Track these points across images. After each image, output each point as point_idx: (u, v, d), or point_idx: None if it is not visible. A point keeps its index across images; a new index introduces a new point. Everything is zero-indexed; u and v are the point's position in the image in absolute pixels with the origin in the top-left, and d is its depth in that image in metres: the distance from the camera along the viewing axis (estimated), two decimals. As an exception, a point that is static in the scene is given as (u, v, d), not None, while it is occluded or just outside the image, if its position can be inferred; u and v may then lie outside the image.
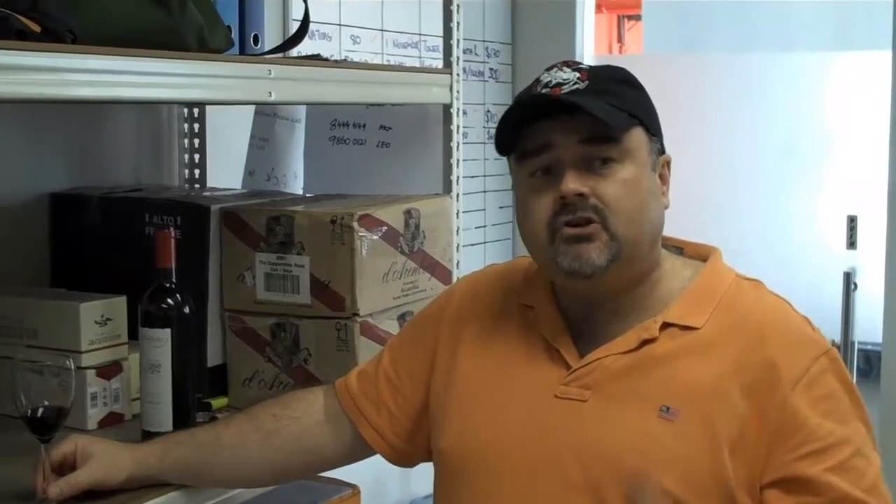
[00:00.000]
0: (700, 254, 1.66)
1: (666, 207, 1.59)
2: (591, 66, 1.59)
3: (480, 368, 1.64)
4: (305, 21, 2.17)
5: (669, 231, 1.63)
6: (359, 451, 1.77)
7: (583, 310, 1.60)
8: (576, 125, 1.51)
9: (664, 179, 1.60)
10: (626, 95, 1.56)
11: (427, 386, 1.70)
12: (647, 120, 1.58)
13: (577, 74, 1.55)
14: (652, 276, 1.59)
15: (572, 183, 1.50)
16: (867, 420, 1.52)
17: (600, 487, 1.48)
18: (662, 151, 1.60)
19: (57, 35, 1.53)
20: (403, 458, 1.76)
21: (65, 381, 1.62)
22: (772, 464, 1.46)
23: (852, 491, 1.44)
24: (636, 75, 1.63)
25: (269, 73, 1.86)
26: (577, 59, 1.64)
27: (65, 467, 1.63)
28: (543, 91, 1.55)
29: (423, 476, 1.71)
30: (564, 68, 1.56)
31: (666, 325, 1.54)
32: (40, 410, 1.61)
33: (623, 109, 1.53)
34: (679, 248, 1.67)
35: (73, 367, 1.63)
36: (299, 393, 1.82)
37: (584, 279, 1.52)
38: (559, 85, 1.54)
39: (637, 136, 1.55)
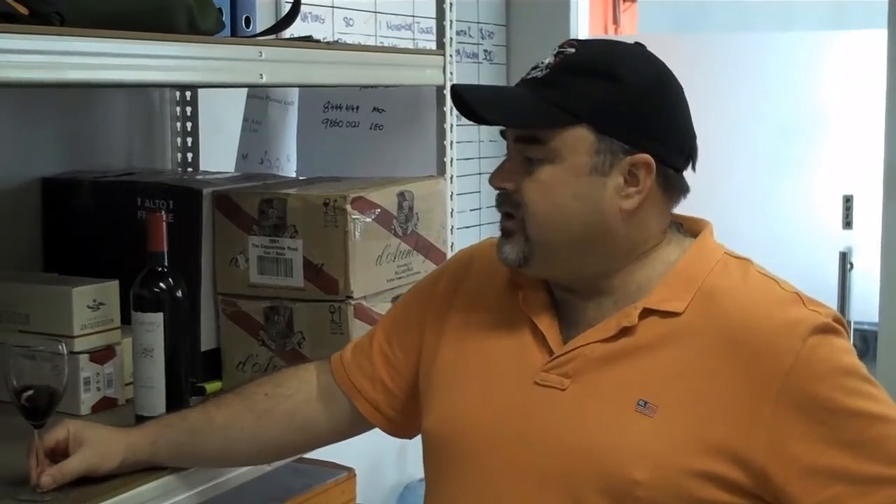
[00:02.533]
0: (694, 229, 1.61)
1: (624, 210, 1.49)
2: (576, 50, 1.52)
3: (466, 347, 1.63)
4: (297, 1, 2.15)
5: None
6: (354, 425, 1.76)
7: (562, 293, 1.59)
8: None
9: (633, 181, 1.49)
10: (579, 90, 1.48)
11: (419, 359, 1.70)
12: (600, 118, 1.48)
13: (551, 60, 1.52)
14: (626, 269, 1.54)
15: (498, 177, 1.54)
16: (875, 383, 1.46)
17: (575, 481, 1.46)
18: (633, 151, 1.48)
19: (45, 18, 1.51)
20: (400, 429, 1.75)
21: (57, 365, 1.61)
22: (784, 461, 1.41)
23: (869, 468, 1.40)
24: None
25: (261, 55, 1.85)
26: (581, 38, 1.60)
27: (57, 453, 1.62)
28: (529, 72, 1.55)
29: (419, 459, 1.70)
30: (557, 49, 1.54)
31: (646, 313, 1.50)
32: (32, 396, 1.60)
33: (562, 106, 1.47)
34: (679, 224, 1.62)
35: (65, 351, 1.62)
36: (292, 370, 1.81)
37: (514, 268, 1.56)
38: (535, 68, 1.54)
39: (574, 137, 1.48)
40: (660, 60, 1.56)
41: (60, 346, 1.62)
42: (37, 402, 1.60)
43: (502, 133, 1.57)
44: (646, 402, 1.45)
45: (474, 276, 1.70)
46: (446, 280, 1.73)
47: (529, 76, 1.53)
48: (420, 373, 1.69)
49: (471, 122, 1.58)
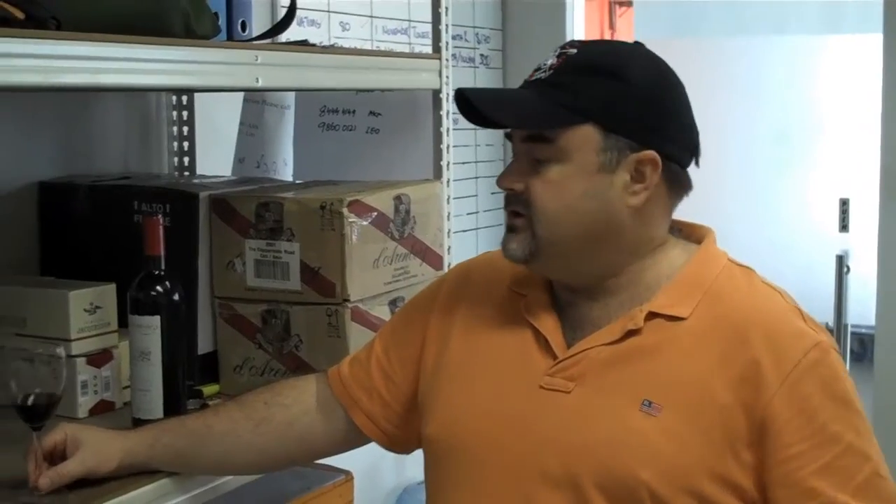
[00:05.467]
0: (696, 235, 1.62)
1: (631, 207, 1.51)
2: (578, 51, 1.53)
3: (469, 355, 1.63)
4: (292, 6, 2.16)
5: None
6: (350, 439, 1.76)
7: (568, 295, 1.59)
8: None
9: (639, 178, 1.51)
10: (584, 89, 1.49)
11: (418, 372, 1.70)
12: (606, 116, 1.49)
13: (553, 61, 1.53)
14: (632, 268, 1.56)
15: (507, 177, 1.54)
16: (862, 413, 1.49)
17: (579, 481, 1.46)
18: (639, 148, 1.50)
19: (41, 22, 1.52)
20: (397, 444, 1.75)
21: (56, 368, 1.61)
22: (766, 466, 1.44)
23: (837, 496, 1.43)
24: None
25: (257, 59, 1.86)
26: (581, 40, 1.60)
27: (55, 456, 1.63)
28: (532, 74, 1.55)
29: (417, 462, 1.71)
30: (559, 50, 1.55)
31: (652, 315, 1.51)
32: (31, 399, 1.60)
33: (569, 106, 1.48)
34: (678, 229, 1.63)
35: (64, 355, 1.62)
36: (291, 381, 1.82)
37: (519, 263, 1.56)
38: (538, 69, 1.54)
39: (581, 136, 1.49)
40: (660, 58, 1.58)
41: (59, 350, 1.63)
42: (35, 406, 1.60)
43: (508, 135, 1.57)
44: (650, 402, 1.46)
45: (474, 286, 1.71)
46: (446, 291, 1.73)
47: (533, 78, 1.54)
48: (421, 382, 1.69)
49: (469, 126, 1.59)
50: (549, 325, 1.58)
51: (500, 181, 1.55)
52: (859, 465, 1.45)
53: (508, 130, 1.57)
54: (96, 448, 1.64)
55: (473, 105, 1.53)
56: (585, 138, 1.49)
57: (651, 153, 1.50)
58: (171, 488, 1.70)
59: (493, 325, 1.63)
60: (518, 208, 1.53)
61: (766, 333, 1.48)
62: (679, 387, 1.47)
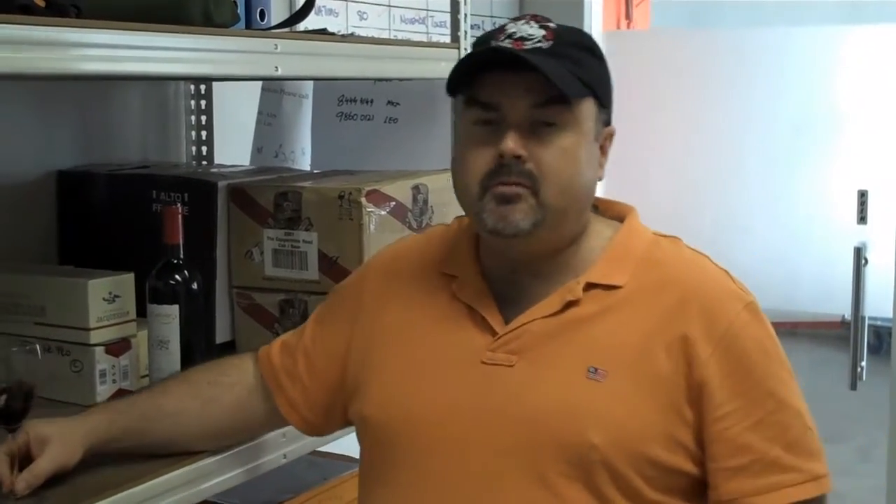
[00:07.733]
0: (616, 212, 1.67)
1: (600, 179, 1.61)
2: (558, 26, 1.56)
3: (404, 337, 1.63)
4: (311, -5, 2.16)
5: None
6: (279, 420, 1.76)
7: (506, 273, 1.60)
8: (531, 86, 1.51)
9: (604, 151, 1.61)
10: (584, 63, 1.55)
11: (343, 360, 1.69)
12: (600, 90, 1.58)
13: (543, 32, 1.54)
14: (576, 240, 1.60)
15: (513, 143, 1.51)
16: (790, 369, 1.55)
17: (533, 451, 1.48)
18: (608, 123, 1.61)
19: (61, 9, 1.52)
20: (315, 430, 1.76)
21: (30, 363, 1.57)
22: (703, 423, 1.50)
23: (770, 450, 1.49)
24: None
25: (276, 48, 1.85)
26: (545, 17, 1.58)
27: (21, 458, 1.56)
28: (505, 42, 1.54)
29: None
30: (532, 22, 1.56)
31: (590, 286, 1.55)
32: (7, 398, 1.55)
33: (579, 77, 1.53)
34: (594, 206, 1.65)
35: (40, 352, 1.60)
36: (234, 359, 1.81)
37: (507, 238, 1.54)
38: (523, 39, 1.54)
39: (587, 107, 1.55)
40: None
41: (36, 346, 1.61)
42: (10, 406, 1.55)
43: (489, 105, 1.54)
44: (595, 369, 1.50)
45: (402, 272, 1.70)
46: (374, 278, 1.73)
47: (528, 47, 1.52)
48: (349, 368, 1.68)
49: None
50: (484, 302, 1.59)
51: (506, 147, 1.50)
52: (792, 419, 1.52)
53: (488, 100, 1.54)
54: (62, 441, 1.59)
55: (504, 59, 1.52)
56: (589, 109, 1.56)
57: (613, 128, 1.62)
58: (175, 483, 1.67)
59: (426, 307, 1.64)
60: (521, 179, 1.51)
61: (699, 296, 1.54)
62: (622, 352, 1.51)
